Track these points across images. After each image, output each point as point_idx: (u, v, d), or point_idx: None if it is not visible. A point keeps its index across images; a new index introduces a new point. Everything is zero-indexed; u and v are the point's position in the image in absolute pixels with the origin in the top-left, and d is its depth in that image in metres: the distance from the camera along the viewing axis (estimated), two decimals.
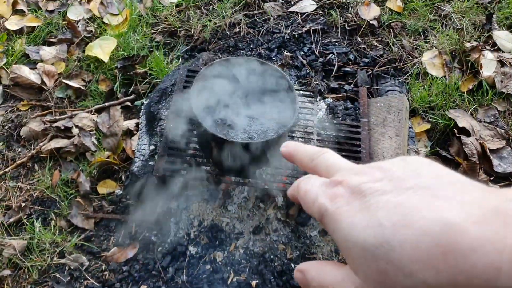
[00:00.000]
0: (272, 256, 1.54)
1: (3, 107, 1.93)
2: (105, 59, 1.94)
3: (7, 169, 1.76)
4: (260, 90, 1.37)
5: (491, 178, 1.64)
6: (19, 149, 1.83)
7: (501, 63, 1.92)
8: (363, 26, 2.07)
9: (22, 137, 1.84)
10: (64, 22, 2.16)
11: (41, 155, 1.78)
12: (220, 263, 1.53)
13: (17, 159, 1.79)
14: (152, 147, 1.60)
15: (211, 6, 2.13)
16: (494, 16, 2.05)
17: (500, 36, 2.01)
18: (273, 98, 1.36)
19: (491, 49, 1.96)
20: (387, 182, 0.34)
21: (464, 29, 2.04)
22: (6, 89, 1.96)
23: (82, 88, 1.94)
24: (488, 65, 1.89)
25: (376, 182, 0.35)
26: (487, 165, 1.68)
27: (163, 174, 1.43)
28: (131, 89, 1.92)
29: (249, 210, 1.58)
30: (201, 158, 1.47)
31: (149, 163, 1.58)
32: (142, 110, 1.71)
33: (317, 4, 2.17)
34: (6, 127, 1.87)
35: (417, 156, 0.38)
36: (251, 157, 1.31)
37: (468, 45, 1.94)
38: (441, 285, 0.30)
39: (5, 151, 1.82)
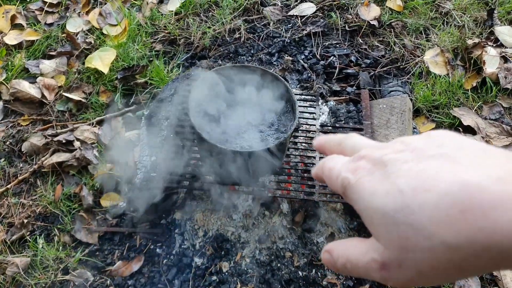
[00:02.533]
0: (279, 265, 1.48)
1: (3, 122, 1.89)
2: (105, 70, 1.90)
3: (9, 186, 1.71)
4: (259, 97, 1.32)
5: None
6: (21, 165, 1.79)
7: (504, 58, 1.86)
8: (364, 27, 2.01)
9: (24, 152, 1.80)
10: (63, 35, 2.12)
11: (43, 170, 1.74)
12: (226, 273, 1.48)
13: (19, 174, 1.75)
14: (154, 158, 1.55)
15: (210, 13, 2.08)
16: (495, 11, 1.99)
17: (502, 31, 1.94)
18: (272, 105, 1.31)
19: (494, 45, 1.90)
20: (409, 153, 0.35)
21: (466, 26, 1.98)
22: (6, 105, 1.92)
23: (83, 100, 1.90)
24: (491, 61, 1.83)
25: (398, 153, 0.35)
26: None
27: (165, 186, 1.39)
28: (132, 100, 1.88)
29: (254, 219, 1.53)
30: (203, 168, 1.42)
31: (151, 174, 1.53)
32: (142, 121, 1.66)
33: (317, 7, 2.11)
34: (7, 142, 1.83)
35: (443, 130, 0.37)
36: (253, 165, 1.26)
37: (470, 42, 1.88)
38: (460, 245, 0.29)
39: (7, 167, 1.77)
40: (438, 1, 2.09)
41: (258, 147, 1.23)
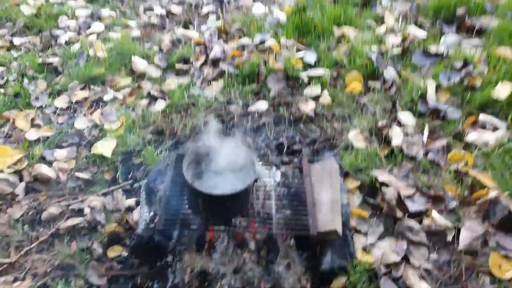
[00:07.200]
0: None
1: (26, 198, 2.37)
2: (108, 154, 2.47)
3: (32, 245, 2.15)
4: (231, 162, 1.92)
5: (406, 215, 2.18)
6: (41, 229, 2.23)
7: (406, 134, 2.58)
8: (304, 117, 2.73)
9: (43, 220, 2.27)
10: (72, 131, 2.71)
11: (59, 232, 2.20)
12: None
13: (39, 236, 2.19)
14: (152, 213, 2.07)
15: (189, 111, 2.76)
16: (397, 102, 2.77)
17: (403, 116, 2.69)
18: (240, 167, 1.91)
19: (398, 126, 2.64)
20: None
21: (377, 113, 2.73)
22: (28, 184, 2.42)
23: (90, 178, 2.44)
24: (397, 137, 2.54)
25: None
26: (403, 206, 2.22)
27: (162, 228, 1.90)
28: (130, 176, 2.43)
29: (229, 256, 2.03)
30: (191, 215, 1.96)
31: (150, 226, 2.04)
32: (142, 187, 2.21)
33: (269, 104, 2.84)
34: (30, 213, 2.29)
35: None
36: (226, 207, 1.82)
37: (380, 123, 2.61)
38: None
39: (30, 231, 2.22)
40: (357, 97, 2.87)
41: (231, 191, 1.80)
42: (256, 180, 1.86)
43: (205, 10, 3.87)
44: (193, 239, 2.04)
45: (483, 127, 2.62)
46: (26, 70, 3.10)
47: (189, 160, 1.86)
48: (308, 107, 2.77)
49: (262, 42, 3.25)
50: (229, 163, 1.90)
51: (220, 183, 1.85)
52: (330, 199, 2.04)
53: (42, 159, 2.55)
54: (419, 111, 2.76)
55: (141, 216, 2.08)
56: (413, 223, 2.15)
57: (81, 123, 2.75)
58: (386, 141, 2.55)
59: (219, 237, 2.04)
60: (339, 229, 1.94)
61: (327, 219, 1.97)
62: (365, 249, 2.09)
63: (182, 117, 2.73)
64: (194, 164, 1.89)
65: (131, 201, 2.30)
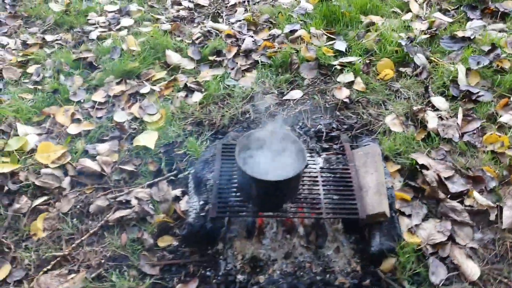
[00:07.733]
0: (302, 273, 1.97)
1: (72, 192, 2.41)
2: (152, 146, 2.50)
3: (83, 238, 2.18)
4: (281, 149, 1.93)
5: (448, 196, 2.19)
6: (90, 222, 2.26)
7: (440, 118, 2.58)
8: (339, 104, 2.74)
9: (91, 212, 2.30)
10: (112, 124, 2.74)
11: (108, 224, 2.23)
12: (263, 283, 1.95)
13: (89, 229, 2.23)
14: (202, 202, 2.09)
15: (226, 101, 2.78)
16: (429, 87, 2.77)
17: (436, 100, 2.70)
18: (290, 154, 1.92)
19: (432, 110, 2.64)
20: None
21: (411, 98, 2.73)
22: (73, 178, 2.46)
23: (134, 170, 2.47)
24: (432, 120, 2.55)
25: None
26: (444, 188, 2.23)
27: (216, 216, 1.93)
28: (174, 167, 2.46)
29: (279, 241, 2.05)
30: (241, 202, 1.98)
31: (200, 214, 2.06)
32: (190, 177, 2.23)
33: (303, 92, 2.85)
34: (78, 206, 2.33)
35: None
36: (278, 193, 1.84)
37: (415, 108, 2.61)
38: None
39: (79, 225, 2.25)
40: (390, 83, 2.87)
41: (282, 178, 1.82)
42: (306, 166, 1.87)
43: (232, 1, 3.86)
44: (243, 226, 2.07)
45: None
46: (61, 66, 3.12)
47: (240, 148, 1.88)
48: (342, 94, 2.78)
49: (292, 32, 3.25)
50: (279, 149, 1.91)
51: (272, 169, 1.87)
52: (375, 182, 2.05)
53: (85, 153, 2.57)
54: (451, 94, 2.75)
55: (190, 205, 2.11)
56: (455, 203, 2.16)
57: (120, 116, 2.77)
58: (422, 125, 2.56)
59: (268, 223, 2.07)
60: (387, 211, 1.96)
61: (374, 202, 1.99)
62: (411, 231, 2.10)
63: (219, 108, 2.75)
64: (245, 151, 1.90)
65: (177, 191, 2.32)
